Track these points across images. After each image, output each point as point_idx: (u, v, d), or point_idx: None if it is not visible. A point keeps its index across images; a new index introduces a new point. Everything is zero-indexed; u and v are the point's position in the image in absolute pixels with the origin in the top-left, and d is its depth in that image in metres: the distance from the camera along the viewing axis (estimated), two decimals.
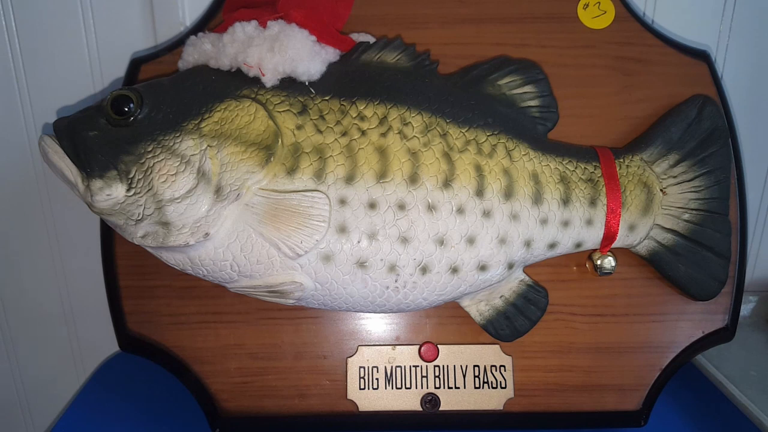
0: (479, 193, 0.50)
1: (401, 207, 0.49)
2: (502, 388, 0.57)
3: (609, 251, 0.55)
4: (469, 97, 0.53)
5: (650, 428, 0.57)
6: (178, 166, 0.46)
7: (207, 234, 0.47)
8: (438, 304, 0.53)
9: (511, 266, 0.52)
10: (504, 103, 0.54)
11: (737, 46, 0.66)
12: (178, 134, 0.47)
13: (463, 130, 0.51)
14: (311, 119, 0.49)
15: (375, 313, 0.57)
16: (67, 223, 0.70)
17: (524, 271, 0.55)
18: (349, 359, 0.57)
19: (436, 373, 0.57)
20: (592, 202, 0.53)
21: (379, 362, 0.57)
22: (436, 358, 0.57)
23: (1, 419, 0.76)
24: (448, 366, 0.57)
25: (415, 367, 0.57)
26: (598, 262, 0.55)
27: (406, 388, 0.57)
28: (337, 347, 0.58)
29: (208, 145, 0.47)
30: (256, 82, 0.50)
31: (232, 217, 0.47)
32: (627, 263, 0.57)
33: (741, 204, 0.58)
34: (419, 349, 0.57)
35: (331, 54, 0.52)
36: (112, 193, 0.46)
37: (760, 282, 0.73)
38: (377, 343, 0.58)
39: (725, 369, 0.61)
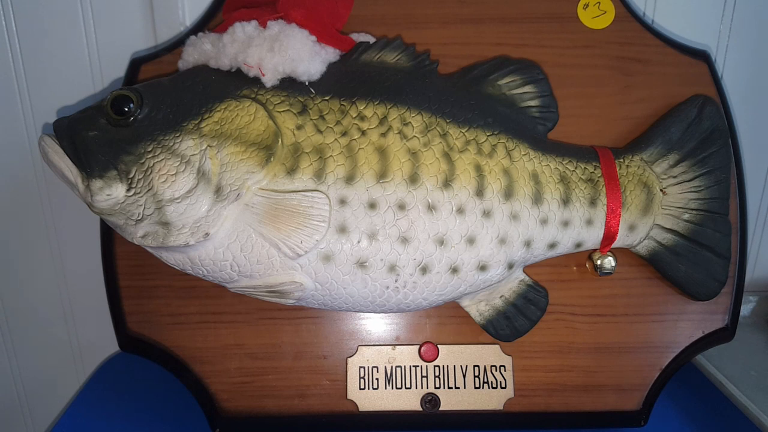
0: (479, 193, 0.50)
1: (401, 207, 0.49)
2: (502, 388, 0.57)
3: (609, 251, 0.55)
4: (469, 97, 0.53)
5: (650, 428, 0.57)
6: (178, 166, 0.46)
7: (207, 234, 0.47)
8: (438, 304, 0.53)
9: (511, 266, 0.52)
10: (504, 103, 0.54)
11: (737, 46, 0.66)
12: (178, 134, 0.47)
13: (463, 130, 0.51)
14: (311, 119, 0.49)
15: (375, 313, 0.57)
16: (67, 223, 0.70)
17: (524, 271, 0.55)
18: (349, 359, 0.57)
19: (436, 373, 0.57)
20: (592, 202, 0.53)
21: (379, 362, 0.57)
22: (436, 358, 0.57)
23: (1, 419, 0.76)
24: (448, 366, 0.57)
25: (415, 367, 0.57)
26: (598, 262, 0.55)
27: (406, 388, 0.57)
28: (337, 347, 0.58)
29: (208, 145, 0.47)
30: (256, 82, 0.50)
31: (232, 217, 0.47)
32: (627, 263, 0.57)
33: (741, 204, 0.58)
34: (419, 349, 0.57)
35: (331, 54, 0.52)
36: (112, 193, 0.46)
37: (760, 282, 0.73)
38: (377, 343, 0.58)
39: (725, 369, 0.61)
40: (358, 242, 0.48)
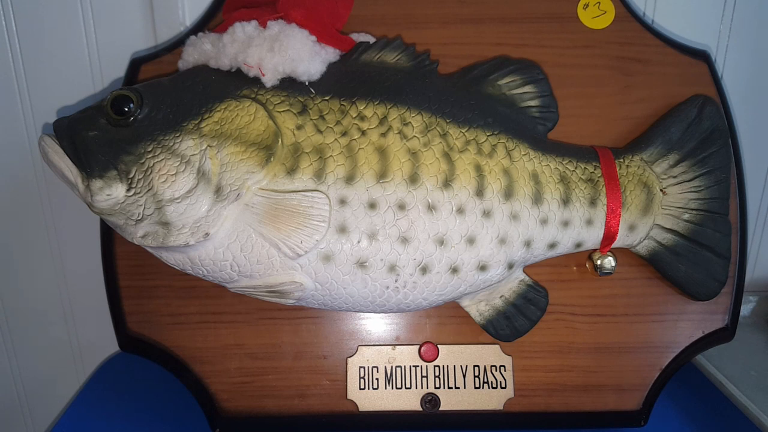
0: (479, 193, 0.50)
1: (401, 207, 0.49)
2: (502, 388, 0.57)
3: (609, 251, 0.55)
4: (469, 97, 0.53)
5: (650, 428, 0.57)
6: (178, 166, 0.46)
7: (207, 234, 0.47)
8: (438, 304, 0.53)
9: (511, 266, 0.52)
10: (504, 103, 0.54)
11: (737, 46, 0.66)
12: (178, 134, 0.47)
13: (463, 130, 0.51)
14: (311, 119, 0.49)
15: (375, 313, 0.57)
16: (67, 223, 0.70)
17: (524, 271, 0.55)
18: (349, 359, 0.57)
19: (436, 373, 0.57)
20: (592, 202, 0.53)
21: (379, 362, 0.57)
22: (436, 358, 0.57)
23: (1, 419, 0.76)
24: (448, 366, 0.57)
25: (415, 367, 0.57)
26: (598, 262, 0.55)
27: (406, 388, 0.57)
28: (337, 347, 0.58)
29: (208, 145, 0.47)
30: (256, 82, 0.50)
31: (232, 217, 0.47)
32: (627, 263, 0.57)
33: (741, 204, 0.58)
34: (419, 349, 0.57)
35: (331, 54, 0.52)
36: (112, 193, 0.46)
37: (760, 282, 0.73)
38: (377, 343, 0.58)
39: (725, 369, 0.61)
40: (358, 242, 0.48)
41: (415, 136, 0.50)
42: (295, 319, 0.57)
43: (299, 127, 0.49)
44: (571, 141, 0.56)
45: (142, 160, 0.46)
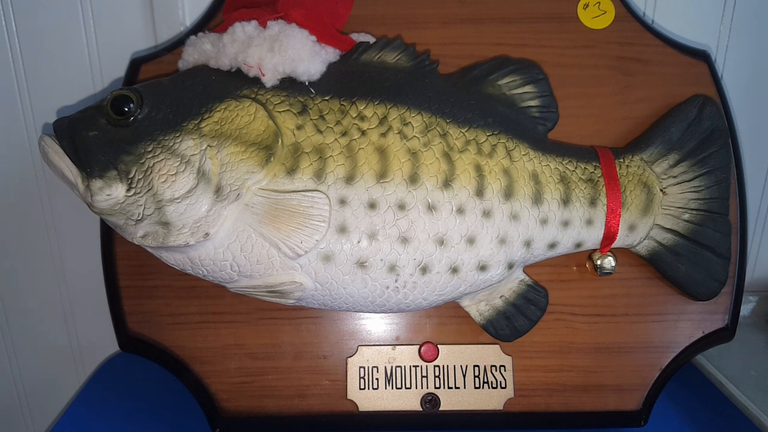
0: (479, 193, 0.50)
1: (401, 207, 0.49)
2: (502, 388, 0.57)
3: (609, 251, 0.55)
4: (469, 97, 0.53)
5: (650, 428, 0.57)
6: (178, 166, 0.46)
7: (207, 234, 0.47)
8: (438, 304, 0.53)
9: (511, 266, 0.52)
10: (504, 103, 0.54)
11: (737, 46, 0.66)
12: (178, 134, 0.47)
13: (463, 130, 0.51)
14: (311, 119, 0.49)
15: (375, 313, 0.57)
16: (67, 223, 0.70)
17: (524, 271, 0.55)
18: (349, 359, 0.57)
19: (436, 373, 0.57)
20: (592, 202, 0.53)
21: (379, 362, 0.57)
22: (436, 358, 0.57)
23: (1, 419, 0.76)
24: (448, 366, 0.57)
25: (415, 367, 0.57)
26: (598, 262, 0.55)
27: (406, 388, 0.57)
28: (337, 347, 0.58)
29: (208, 145, 0.47)
30: (256, 82, 0.50)
31: (232, 217, 0.47)
32: (627, 263, 0.57)
33: (741, 204, 0.58)
34: (419, 349, 0.57)
35: (331, 54, 0.52)
36: (112, 193, 0.46)
37: (760, 282, 0.73)
38: (377, 343, 0.58)
39: (725, 369, 0.61)
40: (358, 242, 0.48)
41: (415, 136, 0.50)
42: (295, 319, 0.57)
43: (299, 127, 0.49)
44: (571, 141, 0.57)
45: (142, 160, 0.46)
